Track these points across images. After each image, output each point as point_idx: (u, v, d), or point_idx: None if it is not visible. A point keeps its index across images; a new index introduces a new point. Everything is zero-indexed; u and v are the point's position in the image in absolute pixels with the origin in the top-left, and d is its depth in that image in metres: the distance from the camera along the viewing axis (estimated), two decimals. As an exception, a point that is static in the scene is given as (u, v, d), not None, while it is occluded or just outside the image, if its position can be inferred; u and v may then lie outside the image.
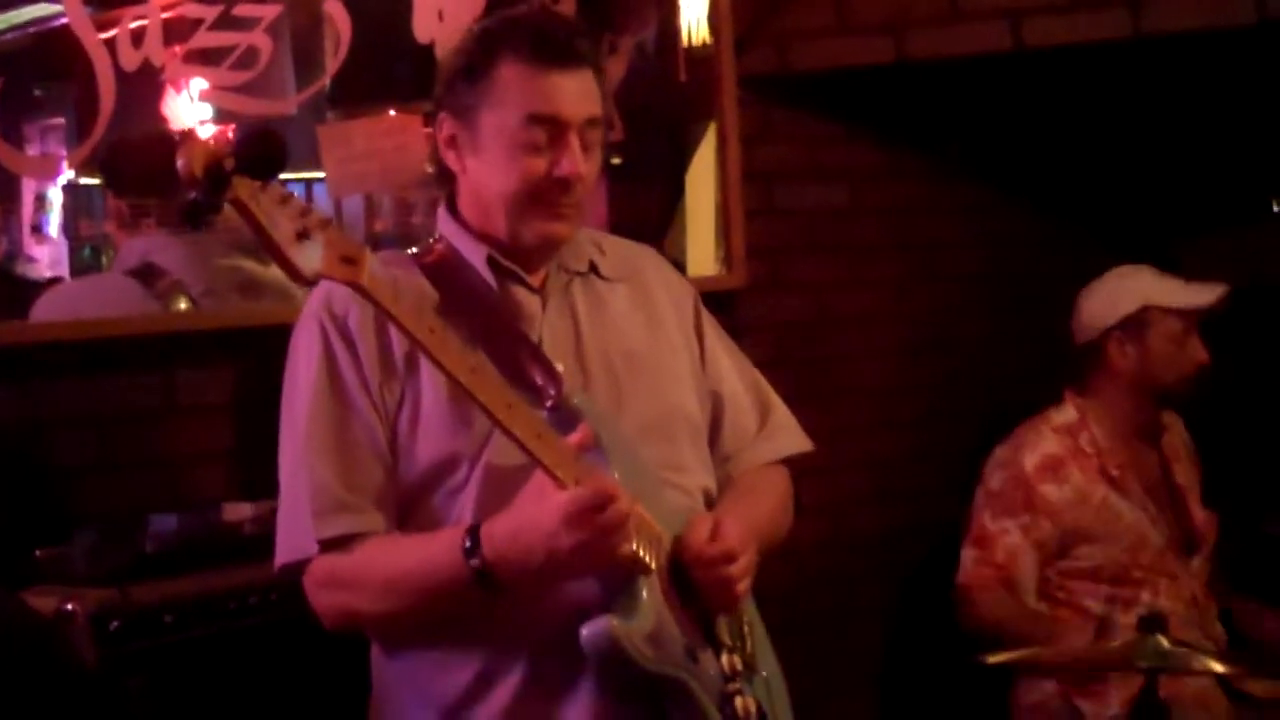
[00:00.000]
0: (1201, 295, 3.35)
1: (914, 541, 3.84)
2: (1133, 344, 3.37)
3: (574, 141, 2.02)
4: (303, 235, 1.72)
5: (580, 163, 2.02)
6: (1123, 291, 3.40)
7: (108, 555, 2.33)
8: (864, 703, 3.77)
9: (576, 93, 2.03)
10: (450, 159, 2.09)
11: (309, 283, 1.81)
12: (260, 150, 1.67)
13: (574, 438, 1.93)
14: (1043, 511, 3.30)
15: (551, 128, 2.01)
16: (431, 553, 1.95)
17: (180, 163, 1.65)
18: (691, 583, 2.01)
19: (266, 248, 1.71)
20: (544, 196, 2.03)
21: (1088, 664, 3.08)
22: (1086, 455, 3.35)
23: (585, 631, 1.89)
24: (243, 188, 1.66)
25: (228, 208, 1.72)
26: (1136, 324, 3.37)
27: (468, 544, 1.90)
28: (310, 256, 1.72)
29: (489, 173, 2.05)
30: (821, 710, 2.43)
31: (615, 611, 1.90)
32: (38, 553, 2.37)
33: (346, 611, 2.02)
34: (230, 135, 2.78)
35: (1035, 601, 3.30)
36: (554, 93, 2.01)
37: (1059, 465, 3.34)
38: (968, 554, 3.34)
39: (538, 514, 1.87)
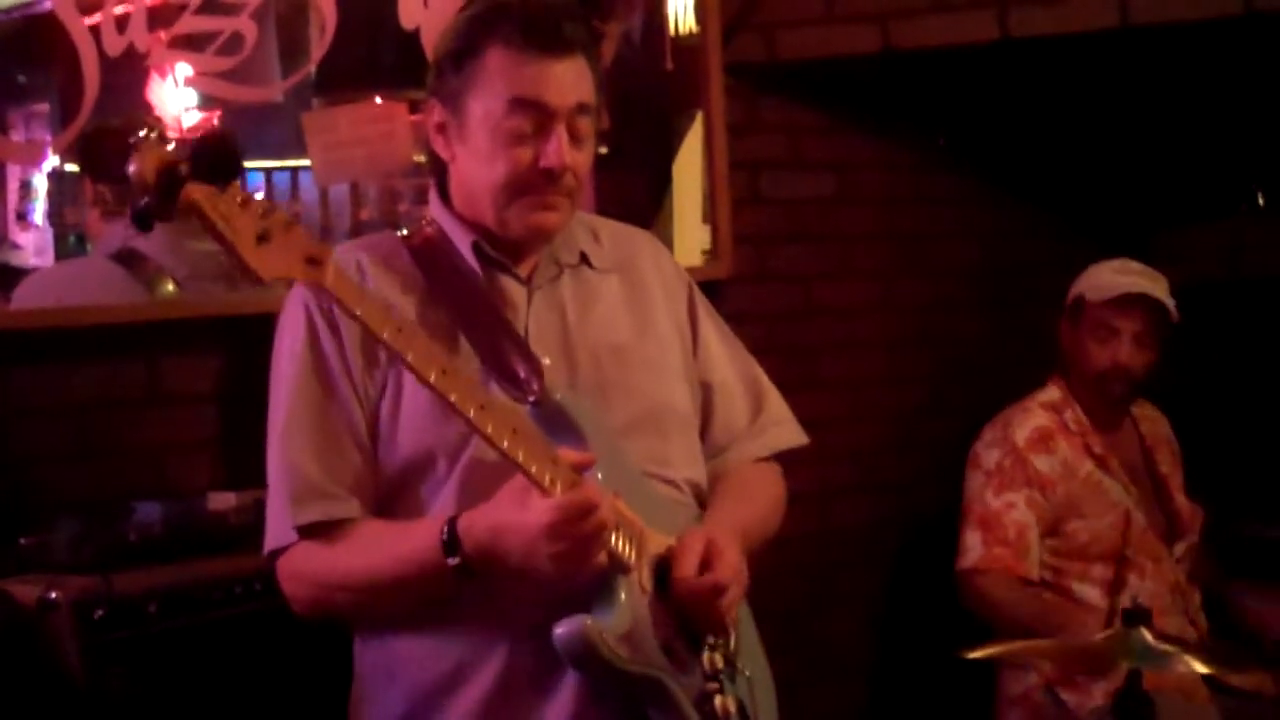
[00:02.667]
0: (1110, 289, 3.36)
1: (898, 532, 3.85)
2: (1072, 333, 3.43)
3: (561, 130, 2.00)
4: (264, 238, 1.68)
5: (567, 153, 2.00)
6: (1077, 281, 3.45)
7: (91, 543, 2.32)
8: (847, 692, 3.78)
9: (564, 79, 2.01)
10: (440, 146, 2.08)
11: (266, 285, 1.78)
12: (215, 154, 1.66)
13: (570, 457, 1.90)
14: (1036, 484, 3.32)
15: (537, 115, 1.99)
16: (408, 545, 1.94)
17: (132, 168, 1.62)
18: (682, 607, 1.99)
19: (225, 251, 1.68)
20: (531, 187, 2.01)
21: (1070, 658, 3.08)
22: (1071, 432, 3.39)
23: (559, 630, 1.88)
24: (197, 192, 1.64)
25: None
26: (1074, 313, 3.44)
27: (445, 537, 1.89)
28: (271, 258, 1.70)
29: (476, 162, 2.03)
30: (804, 699, 2.43)
31: (592, 610, 1.90)
32: (21, 540, 2.37)
33: (318, 599, 2.02)
34: (212, 121, 2.77)
35: (1038, 575, 3.30)
36: (540, 79, 1.99)
37: (1048, 437, 3.37)
38: (973, 537, 3.33)
39: (518, 521, 1.85)
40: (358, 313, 1.79)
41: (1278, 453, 4.02)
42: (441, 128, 2.07)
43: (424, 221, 2.12)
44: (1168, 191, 4.27)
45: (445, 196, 2.12)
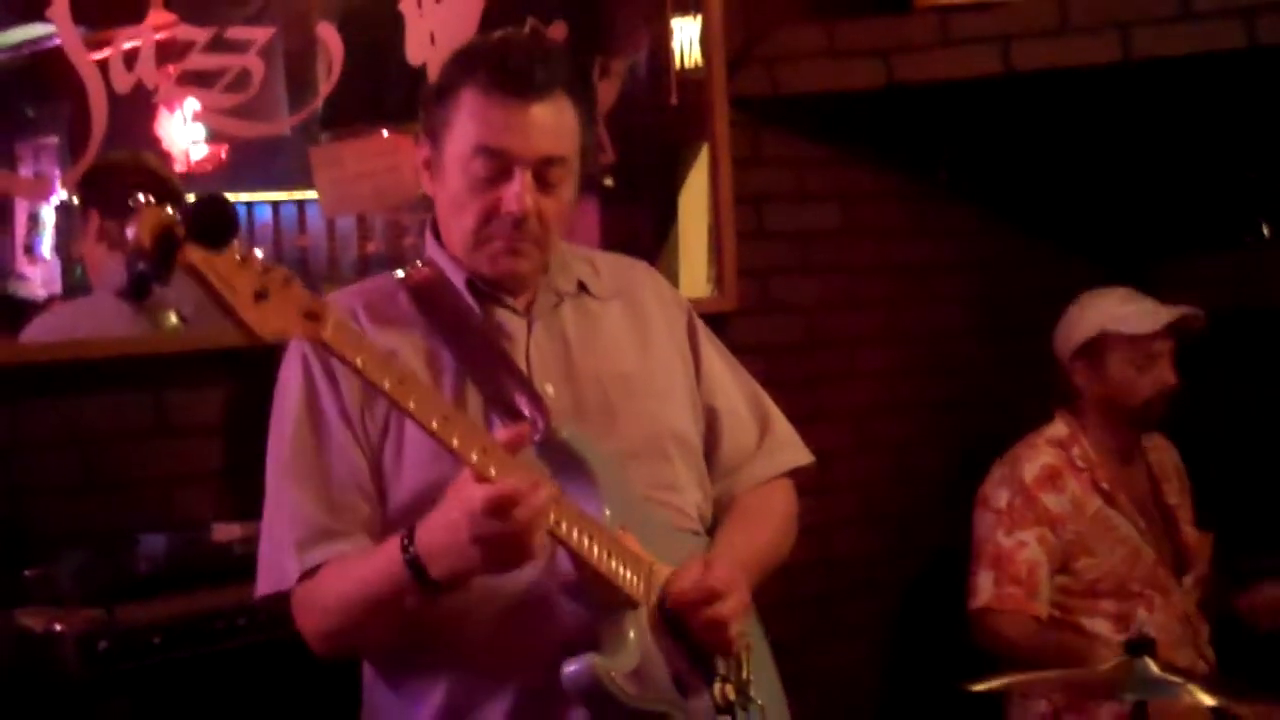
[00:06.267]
0: (1154, 320, 3.36)
1: (902, 563, 3.85)
2: (1093, 370, 3.41)
3: (523, 178, 1.97)
4: (261, 295, 1.67)
5: (527, 200, 1.98)
6: (1081, 319, 3.44)
7: (96, 575, 2.34)
8: (852, 724, 3.78)
9: (533, 126, 1.98)
10: (425, 181, 2.09)
11: (266, 343, 1.75)
12: (211, 216, 1.62)
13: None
14: (1046, 522, 3.31)
15: (500, 162, 1.98)
16: (376, 557, 1.93)
17: (129, 233, 1.60)
18: (681, 625, 1.98)
19: (223, 311, 1.67)
20: (496, 233, 2.01)
21: (1076, 690, 3.08)
22: (1079, 468, 3.38)
23: (568, 670, 1.88)
24: (195, 254, 1.62)
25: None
26: (1094, 350, 3.41)
27: (405, 539, 1.87)
28: (269, 316, 1.69)
29: (450, 202, 2.04)
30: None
31: (600, 648, 1.90)
32: (26, 573, 2.38)
33: (323, 633, 2.01)
34: (216, 158, 2.78)
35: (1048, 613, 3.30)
36: (506, 125, 1.97)
37: (1056, 475, 3.36)
38: (985, 577, 3.32)
39: (453, 505, 1.83)
40: (357, 363, 1.77)
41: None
42: (427, 163, 2.07)
43: (420, 261, 2.12)
44: (1171, 222, 4.27)
45: (437, 233, 2.12)
